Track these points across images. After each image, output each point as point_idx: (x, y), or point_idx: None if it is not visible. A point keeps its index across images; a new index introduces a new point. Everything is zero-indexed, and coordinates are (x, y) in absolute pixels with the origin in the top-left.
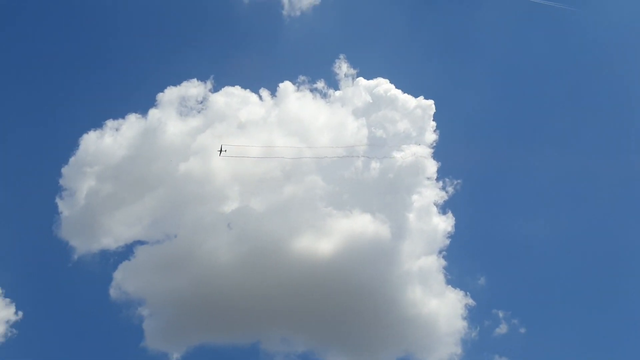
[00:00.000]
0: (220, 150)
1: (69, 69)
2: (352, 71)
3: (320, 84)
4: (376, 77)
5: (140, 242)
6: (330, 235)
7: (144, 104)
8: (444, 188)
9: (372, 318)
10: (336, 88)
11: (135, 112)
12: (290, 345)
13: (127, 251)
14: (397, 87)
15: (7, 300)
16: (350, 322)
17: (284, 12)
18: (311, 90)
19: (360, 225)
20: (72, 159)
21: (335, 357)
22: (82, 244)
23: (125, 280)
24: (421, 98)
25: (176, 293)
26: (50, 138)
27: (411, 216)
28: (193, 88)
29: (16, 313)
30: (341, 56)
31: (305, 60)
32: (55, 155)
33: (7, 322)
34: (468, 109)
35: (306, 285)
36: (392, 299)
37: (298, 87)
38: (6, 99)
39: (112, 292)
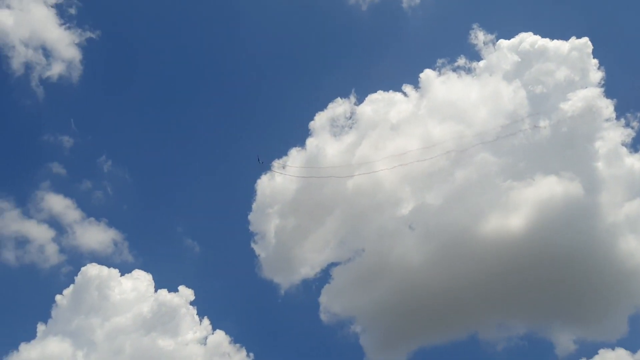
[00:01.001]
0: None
1: (227, 119)
2: (490, 36)
3: (461, 61)
4: (517, 34)
5: (334, 264)
6: (517, 209)
7: (300, 136)
8: (627, 125)
9: (586, 282)
10: (478, 59)
11: (295, 145)
12: (508, 330)
13: (324, 275)
14: (542, 36)
15: (237, 345)
16: (565, 292)
17: (404, 5)
18: (453, 70)
19: (547, 190)
20: (254, 205)
21: (561, 332)
22: (285, 279)
23: (331, 303)
24: (573, 39)
25: (380, 304)
26: (230, 190)
27: (600, 165)
28: (339, 107)
29: (248, 355)
30: (474, 26)
31: (438, 42)
32: (240, 206)
33: None
34: (626, 33)
35: (504, 266)
36: (603, 257)
37: (439, 71)
38: (179, 165)
39: (323, 316)
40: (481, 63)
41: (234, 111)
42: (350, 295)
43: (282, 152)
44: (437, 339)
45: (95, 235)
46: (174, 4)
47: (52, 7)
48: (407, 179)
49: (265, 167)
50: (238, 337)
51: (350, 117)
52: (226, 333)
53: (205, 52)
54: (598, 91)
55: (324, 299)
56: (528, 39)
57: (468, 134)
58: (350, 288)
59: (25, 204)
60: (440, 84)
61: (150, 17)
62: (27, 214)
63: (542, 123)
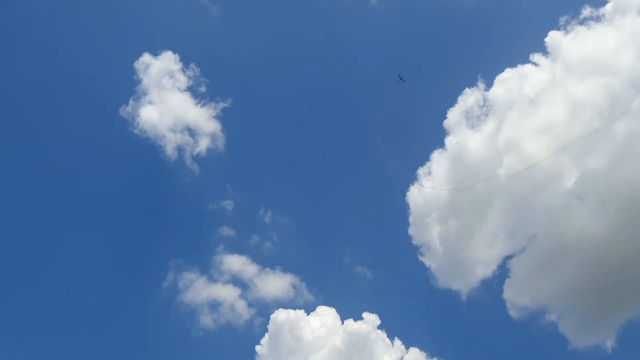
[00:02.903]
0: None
1: (362, 140)
2: None
3: (586, 12)
4: None
5: (509, 257)
6: None
7: (438, 137)
8: None
9: None
10: (604, 3)
11: (435, 148)
12: None
13: (503, 271)
14: None
15: (435, 359)
16: None
17: None
18: (581, 24)
19: None
20: (410, 218)
21: None
22: (463, 284)
23: (517, 297)
24: None
25: (570, 285)
26: (383, 209)
27: None
28: (469, 97)
29: None
30: None
31: (556, 1)
32: (397, 223)
33: None
34: None
35: None
36: None
37: (565, 29)
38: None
39: (512, 312)
40: (608, 6)
41: (368, 131)
42: (535, 284)
43: (424, 158)
44: None
45: (275, 283)
46: (284, 58)
47: (185, 90)
48: (563, 148)
49: (412, 178)
50: (433, 351)
51: (484, 104)
52: (420, 349)
53: (325, 89)
54: None
55: (508, 294)
56: None
57: (617, 83)
58: (534, 277)
59: (209, 270)
60: (570, 42)
61: (270, 71)
62: (212, 279)
63: None
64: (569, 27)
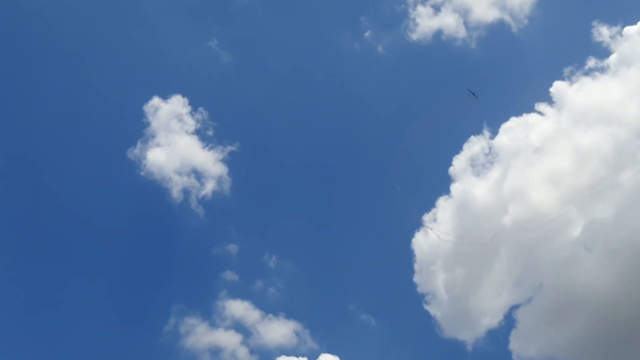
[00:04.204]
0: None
1: (369, 185)
2: (616, 28)
3: (590, 63)
4: None
5: (515, 307)
6: None
7: (443, 184)
8: None
9: None
10: (608, 54)
11: (441, 195)
12: None
13: (509, 321)
14: None
15: None
16: None
17: (513, 29)
18: (585, 74)
19: None
20: (415, 266)
21: None
22: (469, 334)
23: (524, 349)
24: None
25: (580, 338)
26: (388, 256)
27: None
28: (475, 145)
29: None
30: (594, 23)
31: (559, 52)
32: (402, 270)
33: None
34: None
35: None
36: None
37: (570, 80)
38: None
39: None
40: (612, 57)
41: (375, 178)
42: (543, 335)
43: (430, 205)
44: None
45: (278, 330)
46: (290, 97)
47: (193, 134)
48: (568, 196)
49: (417, 224)
50: None
51: (490, 152)
52: None
53: (328, 134)
54: None
55: (514, 345)
56: None
57: (623, 133)
58: (541, 328)
59: (211, 316)
60: (575, 93)
61: (277, 116)
62: (214, 325)
63: None
64: (573, 78)
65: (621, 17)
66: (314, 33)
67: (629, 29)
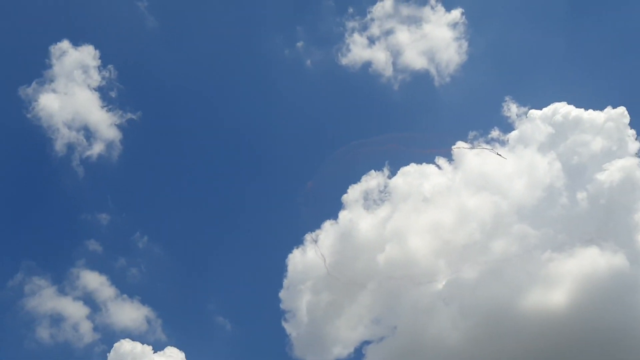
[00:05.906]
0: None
1: (261, 194)
2: (523, 109)
3: (494, 133)
4: (550, 104)
5: (367, 342)
6: (559, 282)
7: (334, 208)
8: None
9: None
10: (511, 130)
11: (329, 218)
12: None
13: (357, 355)
14: (577, 106)
15: None
16: None
17: (436, 83)
18: (487, 142)
19: (589, 262)
20: (285, 282)
21: None
22: (317, 359)
23: None
24: (609, 109)
25: None
26: (261, 266)
27: None
28: (372, 180)
29: None
30: (506, 98)
31: (470, 116)
32: (271, 283)
33: None
34: None
35: (546, 343)
36: None
37: (472, 143)
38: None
39: None
40: (513, 134)
41: (269, 187)
42: None
43: (316, 225)
44: None
45: (129, 313)
46: (207, 84)
47: (95, 90)
48: (441, 252)
49: (298, 241)
50: None
51: (384, 190)
52: None
53: (234, 131)
54: (636, 161)
55: None
56: (561, 110)
57: (504, 205)
58: None
59: (62, 281)
60: (474, 156)
61: (188, 99)
62: (62, 291)
63: (580, 195)
64: (475, 143)
65: (530, 100)
66: (249, 25)
67: (534, 112)
